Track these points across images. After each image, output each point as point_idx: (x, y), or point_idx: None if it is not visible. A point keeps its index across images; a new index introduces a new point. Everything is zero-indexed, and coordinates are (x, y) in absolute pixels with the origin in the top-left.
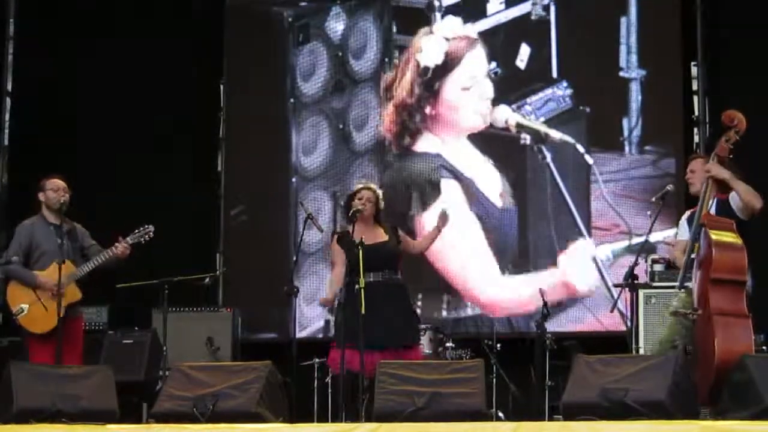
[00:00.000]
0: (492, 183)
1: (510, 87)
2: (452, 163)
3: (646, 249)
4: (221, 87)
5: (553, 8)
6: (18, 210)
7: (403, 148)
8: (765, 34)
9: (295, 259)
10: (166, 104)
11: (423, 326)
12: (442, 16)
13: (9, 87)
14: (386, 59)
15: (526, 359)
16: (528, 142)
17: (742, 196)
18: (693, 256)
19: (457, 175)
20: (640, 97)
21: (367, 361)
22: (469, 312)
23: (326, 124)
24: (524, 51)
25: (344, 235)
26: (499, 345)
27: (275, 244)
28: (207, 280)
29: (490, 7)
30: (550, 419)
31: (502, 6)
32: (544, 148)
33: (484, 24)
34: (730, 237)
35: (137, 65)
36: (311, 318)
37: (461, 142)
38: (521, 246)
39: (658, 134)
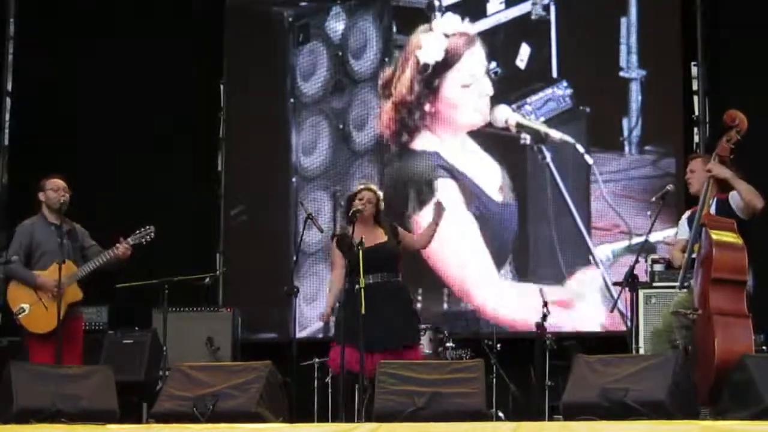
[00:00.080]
0: (491, 178)
1: (510, 87)
2: (450, 161)
3: (646, 249)
4: (221, 87)
5: (553, 8)
6: (18, 210)
7: (401, 146)
8: (765, 34)
9: (295, 259)
10: (166, 104)
11: (423, 326)
12: (443, 16)
13: (9, 87)
14: (386, 59)
15: (526, 359)
16: (528, 142)
17: (743, 195)
18: (693, 256)
19: (453, 174)
20: (640, 97)
21: (367, 362)
22: (470, 306)
23: (326, 124)
24: (524, 51)
25: (344, 236)
26: (499, 345)
27: (275, 244)
28: (207, 280)
29: (490, 7)
30: (550, 419)
31: (502, 6)
32: (544, 148)
33: (484, 24)
34: (730, 237)
35: (137, 65)
36: (311, 318)
37: (460, 138)
38: (521, 245)
39: (658, 134)
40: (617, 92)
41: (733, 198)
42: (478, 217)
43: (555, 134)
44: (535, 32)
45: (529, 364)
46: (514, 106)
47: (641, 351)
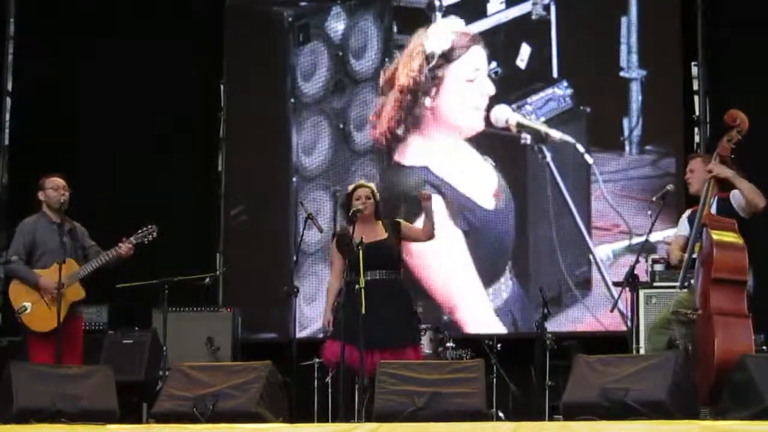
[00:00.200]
0: (486, 184)
1: (510, 87)
2: (439, 175)
3: (646, 249)
4: (221, 87)
5: (553, 8)
6: (18, 210)
7: (398, 141)
8: (765, 33)
9: (295, 259)
10: (166, 104)
11: (423, 326)
12: (443, 16)
13: (9, 87)
14: (386, 59)
15: (526, 359)
16: (528, 141)
17: (745, 194)
18: (694, 255)
19: (441, 189)
20: (640, 97)
21: (367, 360)
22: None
23: (326, 123)
24: (525, 51)
25: (343, 236)
26: (499, 345)
27: (275, 244)
28: (207, 280)
29: (491, 7)
30: (551, 419)
31: (503, 6)
32: (544, 148)
33: (484, 24)
34: (731, 237)
35: (137, 65)
36: (311, 318)
37: (456, 142)
38: (521, 245)
39: (658, 134)
40: (618, 92)
41: (735, 197)
42: (467, 231)
43: (555, 134)
44: (535, 32)
45: (530, 364)
46: (514, 105)
47: (641, 351)
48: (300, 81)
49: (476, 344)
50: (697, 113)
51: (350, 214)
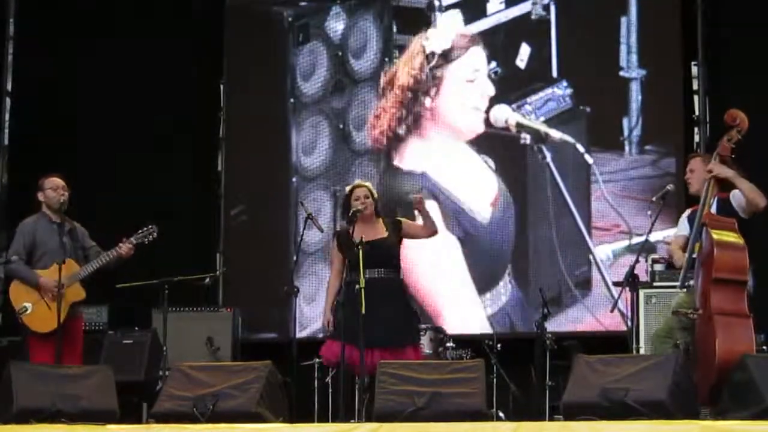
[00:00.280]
0: (484, 190)
1: (510, 86)
2: (437, 181)
3: (646, 249)
4: (221, 87)
5: (553, 8)
6: (18, 210)
7: (398, 141)
8: (765, 33)
9: (295, 259)
10: (166, 104)
11: (423, 326)
12: (443, 15)
13: (9, 87)
14: (386, 59)
15: (526, 359)
16: (528, 141)
17: (746, 193)
18: (694, 255)
19: (436, 196)
20: (640, 97)
21: (367, 360)
22: (489, 312)
23: (326, 123)
24: (524, 51)
25: (344, 235)
26: (499, 345)
27: (275, 244)
28: (207, 280)
29: (490, 7)
30: (551, 419)
31: (502, 6)
32: (544, 148)
33: (484, 23)
34: (731, 237)
35: (137, 65)
36: (311, 318)
37: (456, 144)
38: (521, 246)
39: (658, 134)
40: (617, 92)
41: (735, 197)
42: (462, 239)
43: (555, 134)
44: (535, 32)
45: (530, 364)
46: (514, 105)
47: (641, 351)
48: (300, 81)
49: (476, 344)
50: (697, 113)
51: (350, 214)
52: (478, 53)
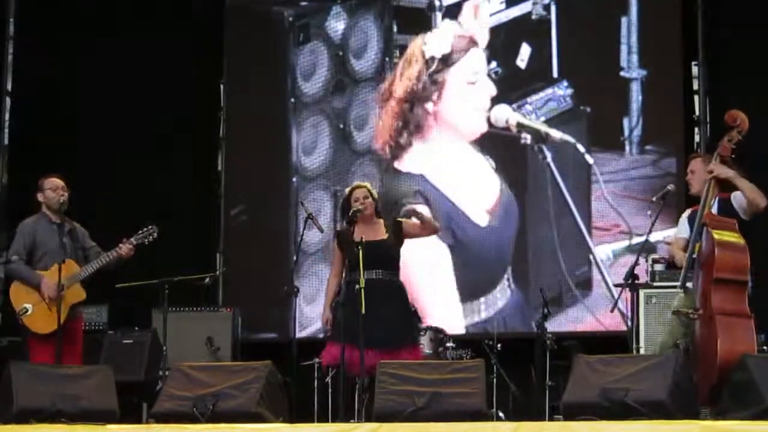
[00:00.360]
0: (484, 193)
1: (510, 87)
2: (435, 184)
3: (646, 249)
4: (221, 87)
5: (553, 8)
6: (18, 210)
7: (399, 148)
8: (765, 33)
9: (295, 259)
10: (166, 104)
11: (423, 326)
12: (443, 16)
13: (9, 87)
14: (387, 59)
15: (526, 359)
16: (528, 141)
17: (747, 194)
18: (694, 256)
19: (428, 199)
20: (640, 97)
21: (367, 361)
22: (483, 316)
23: (327, 123)
24: (525, 50)
25: (344, 234)
26: (499, 345)
27: (275, 244)
28: (207, 280)
29: (491, 7)
30: (551, 419)
31: (503, 6)
32: (544, 148)
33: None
34: (732, 237)
35: (137, 65)
36: (311, 318)
37: (458, 145)
38: (521, 246)
39: (658, 134)
40: (618, 92)
41: (736, 198)
42: (453, 246)
43: (555, 134)
44: (535, 32)
45: (530, 364)
46: (514, 105)
47: (642, 351)
48: (300, 81)
49: (476, 344)
50: (697, 113)
51: (350, 214)
52: (477, 54)
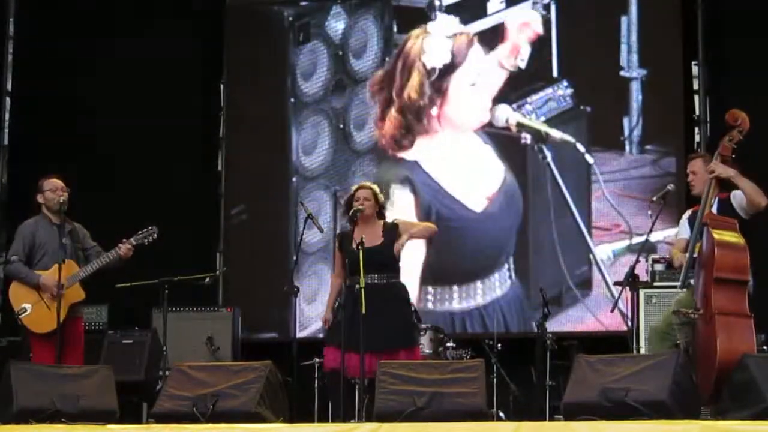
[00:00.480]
0: (483, 181)
1: (511, 86)
2: (427, 169)
3: (646, 248)
4: (221, 87)
5: (553, 8)
6: (18, 210)
7: (401, 149)
8: (765, 33)
9: (295, 259)
10: (166, 104)
11: (423, 326)
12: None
13: (9, 87)
14: (387, 59)
15: (526, 359)
16: (528, 141)
17: (747, 193)
18: (695, 255)
19: (416, 188)
20: (640, 97)
21: (366, 364)
22: (480, 301)
23: (326, 123)
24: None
25: (344, 235)
26: (499, 345)
27: (275, 244)
28: (207, 279)
29: (491, 7)
30: (551, 419)
31: (503, 5)
32: (544, 148)
33: (484, 23)
34: (732, 236)
35: (137, 65)
36: (311, 318)
37: (463, 136)
38: (521, 247)
39: (658, 134)
40: (618, 92)
41: (735, 197)
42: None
43: (556, 134)
44: None
45: (530, 364)
46: (514, 105)
47: (642, 351)
48: (300, 81)
49: (476, 344)
50: (697, 113)
51: (350, 214)
52: (477, 53)
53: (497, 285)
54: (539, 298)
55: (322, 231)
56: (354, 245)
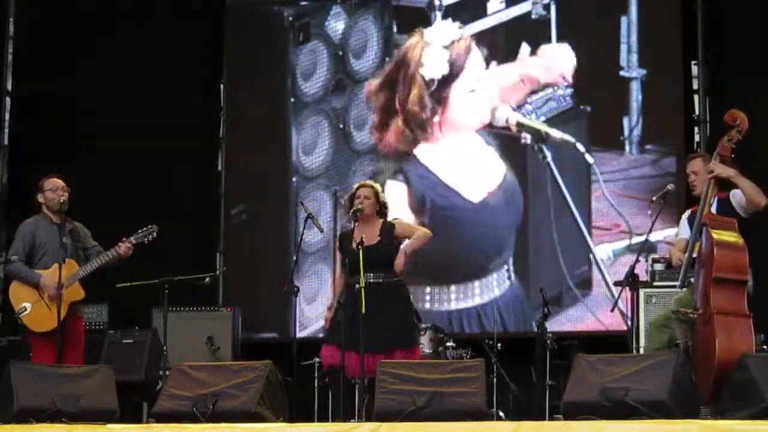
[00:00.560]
0: (483, 177)
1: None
2: (424, 163)
3: (646, 248)
4: (221, 87)
5: (553, 7)
6: (18, 210)
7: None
8: (765, 33)
9: (295, 258)
10: (166, 104)
11: (423, 326)
12: (443, 16)
13: (9, 87)
14: (387, 59)
15: (526, 359)
16: (528, 141)
17: (746, 192)
18: (694, 255)
19: (410, 180)
20: (640, 97)
21: (366, 363)
22: (477, 301)
23: (326, 123)
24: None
25: (345, 235)
26: (499, 344)
27: (275, 244)
28: (207, 279)
29: (491, 6)
30: (551, 419)
31: (503, 5)
32: (544, 148)
33: (484, 23)
34: (731, 236)
35: (137, 65)
36: (311, 318)
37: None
38: (521, 246)
39: (658, 133)
40: (618, 91)
41: (735, 197)
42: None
43: (556, 134)
44: (535, 32)
45: (530, 364)
46: (514, 105)
47: (642, 350)
48: (300, 81)
49: (476, 344)
50: (697, 113)
51: (350, 213)
52: (475, 58)
53: (495, 285)
54: (539, 298)
55: (322, 231)
56: (354, 245)
